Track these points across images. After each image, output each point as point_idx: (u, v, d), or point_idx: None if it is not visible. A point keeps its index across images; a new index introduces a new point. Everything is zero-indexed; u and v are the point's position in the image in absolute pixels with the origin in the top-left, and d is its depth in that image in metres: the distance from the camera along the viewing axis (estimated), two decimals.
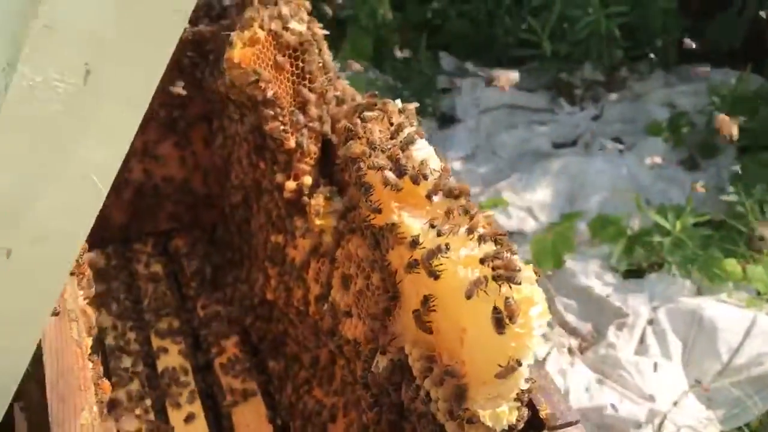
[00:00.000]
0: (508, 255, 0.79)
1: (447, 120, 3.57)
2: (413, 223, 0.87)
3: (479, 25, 3.75)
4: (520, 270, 0.79)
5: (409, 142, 0.97)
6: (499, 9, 3.75)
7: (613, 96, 3.80)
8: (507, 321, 0.77)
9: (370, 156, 0.94)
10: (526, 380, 0.80)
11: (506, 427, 0.81)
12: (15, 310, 0.67)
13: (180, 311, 1.50)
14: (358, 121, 1.00)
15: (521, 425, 0.83)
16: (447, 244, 0.81)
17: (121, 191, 1.58)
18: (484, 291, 0.78)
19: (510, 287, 0.77)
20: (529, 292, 0.78)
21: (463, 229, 0.83)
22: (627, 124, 3.66)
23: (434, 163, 0.96)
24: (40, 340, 0.79)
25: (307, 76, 1.11)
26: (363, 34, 3.50)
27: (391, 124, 1.01)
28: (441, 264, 0.82)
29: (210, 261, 1.59)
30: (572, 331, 2.66)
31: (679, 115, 3.55)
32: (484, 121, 3.49)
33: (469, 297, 0.78)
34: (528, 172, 3.20)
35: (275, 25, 1.07)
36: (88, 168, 0.61)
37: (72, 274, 0.97)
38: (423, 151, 0.98)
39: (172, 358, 1.41)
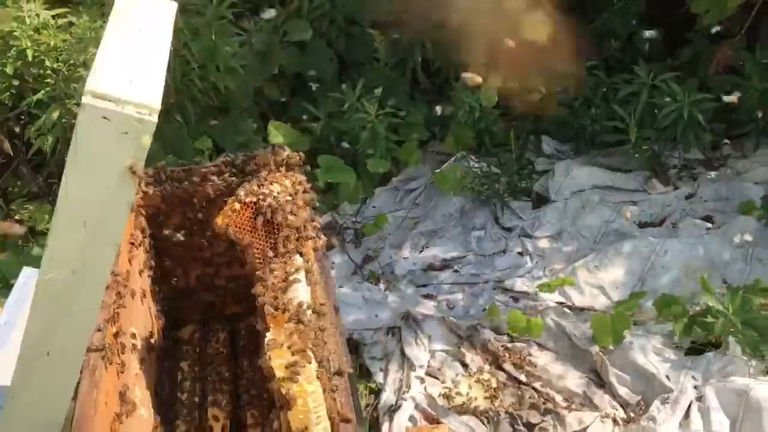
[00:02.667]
0: (303, 364, 1.29)
1: (540, 200, 3.93)
2: (268, 338, 1.39)
3: (577, 112, 4.10)
4: (299, 374, 1.28)
5: (288, 287, 1.49)
6: (594, 97, 4.08)
7: (712, 174, 3.93)
8: (290, 402, 1.27)
9: (264, 295, 1.48)
10: None
11: None
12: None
13: (231, 377, 2.11)
14: (267, 269, 1.54)
15: None
16: (270, 355, 1.33)
17: (198, 288, 2.25)
18: (282, 385, 1.28)
19: (292, 386, 1.27)
20: (305, 386, 1.28)
21: (285, 346, 1.34)
22: (721, 202, 3.78)
23: (297, 300, 1.47)
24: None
25: (277, 227, 1.67)
26: (464, 127, 4.00)
27: (286, 272, 1.53)
28: (270, 366, 1.33)
29: (254, 339, 2.19)
30: (622, 403, 2.92)
31: None
32: (572, 202, 3.81)
33: (277, 389, 1.29)
34: (605, 251, 3.47)
35: (249, 199, 1.66)
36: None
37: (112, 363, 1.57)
38: (297, 292, 1.49)
39: (217, 412, 2.00)
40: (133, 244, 1.87)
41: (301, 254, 1.60)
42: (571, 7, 4.37)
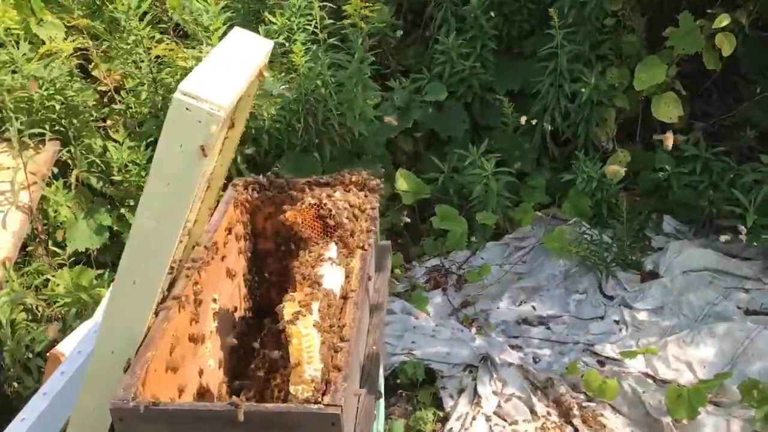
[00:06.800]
0: (304, 314, 1.61)
1: (650, 275, 3.98)
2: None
3: (700, 195, 4.13)
4: (299, 319, 1.60)
5: (317, 264, 1.84)
6: (721, 182, 4.09)
7: None
8: (288, 339, 1.60)
9: (298, 267, 1.85)
10: (309, 375, 1.58)
11: (304, 397, 1.60)
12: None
13: None
14: (307, 251, 1.90)
15: (312, 400, 1.60)
16: (284, 305, 1.67)
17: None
18: (286, 326, 1.62)
19: (291, 327, 1.60)
20: (300, 329, 1.60)
21: (296, 301, 1.67)
22: None
23: (320, 273, 1.80)
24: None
25: (335, 225, 2.04)
26: (581, 195, 4.17)
27: (320, 254, 1.88)
28: (282, 312, 1.67)
29: None
30: None
31: None
32: (680, 280, 3.83)
33: (283, 329, 1.64)
34: (699, 329, 3.47)
35: (313, 201, 2.05)
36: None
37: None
38: (323, 269, 1.83)
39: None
40: (230, 230, 2.31)
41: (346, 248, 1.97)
42: (708, 93, 4.48)
